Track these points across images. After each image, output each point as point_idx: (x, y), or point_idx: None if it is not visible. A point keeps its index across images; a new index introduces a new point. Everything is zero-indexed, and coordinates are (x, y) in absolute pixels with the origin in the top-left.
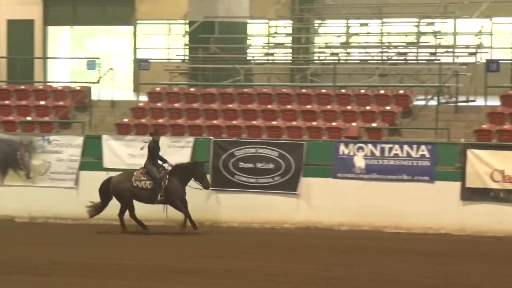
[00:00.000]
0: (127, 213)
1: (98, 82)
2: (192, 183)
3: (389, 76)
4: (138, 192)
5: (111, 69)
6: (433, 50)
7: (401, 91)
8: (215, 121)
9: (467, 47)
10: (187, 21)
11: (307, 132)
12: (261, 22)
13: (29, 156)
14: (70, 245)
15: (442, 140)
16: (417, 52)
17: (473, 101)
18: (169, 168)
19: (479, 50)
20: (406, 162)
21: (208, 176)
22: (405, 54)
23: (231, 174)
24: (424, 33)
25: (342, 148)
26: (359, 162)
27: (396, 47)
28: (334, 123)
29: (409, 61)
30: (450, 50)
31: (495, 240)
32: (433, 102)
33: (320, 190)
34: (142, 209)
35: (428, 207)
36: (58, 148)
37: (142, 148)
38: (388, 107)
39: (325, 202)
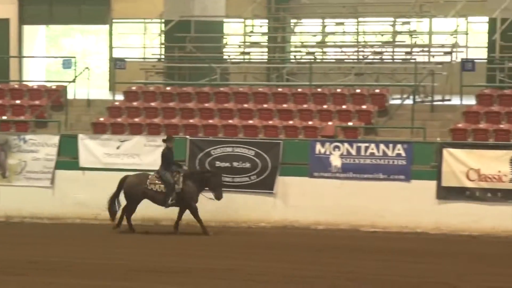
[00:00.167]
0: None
1: (74, 81)
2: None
3: (365, 75)
4: (151, 194)
5: (87, 68)
6: (408, 49)
7: (377, 90)
8: (191, 120)
9: (443, 46)
10: (163, 20)
11: (283, 131)
12: (237, 21)
13: (5, 156)
14: (47, 245)
15: (418, 139)
16: (393, 51)
17: (449, 100)
18: (183, 173)
19: (454, 49)
20: (382, 161)
21: None
22: (381, 53)
23: None
24: (400, 32)
25: (319, 147)
26: (336, 161)
27: (372, 46)
28: (310, 122)
29: (385, 60)
30: (426, 49)
31: (471, 238)
32: (409, 101)
33: (297, 189)
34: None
35: (404, 206)
36: (34, 147)
37: (118, 147)
38: (364, 106)
39: (302, 201)
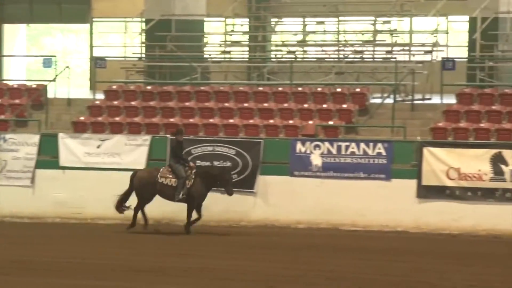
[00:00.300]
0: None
1: (54, 80)
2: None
3: (346, 74)
4: (161, 188)
5: (68, 67)
6: (389, 48)
7: (357, 89)
8: (172, 119)
9: (423, 45)
10: (143, 19)
11: (264, 130)
12: (218, 20)
13: None
14: (27, 244)
15: (398, 138)
16: (374, 50)
17: (429, 99)
18: (195, 169)
19: (435, 49)
20: (362, 160)
21: None
22: (361, 52)
23: None
24: (381, 32)
25: (299, 146)
26: (316, 160)
27: (352, 45)
28: (291, 121)
29: (365, 59)
30: (406, 48)
31: (451, 237)
32: (390, 100)
33: (277, 188)
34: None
35: (384, 205)
36: (14, 147)
37: (98, 146)
38: (344, 105)
39: (282, 200)
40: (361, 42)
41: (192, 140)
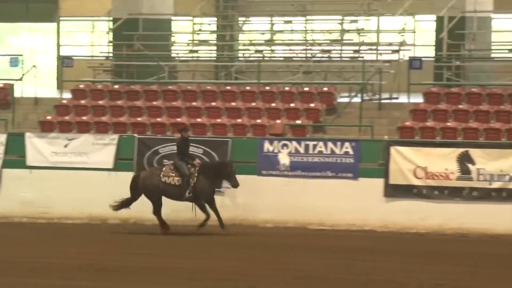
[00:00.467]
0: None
1: (21, 79)
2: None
3: (313, 73)
4: (165, 187)
5: (34, 66)
6: (356, 48)
7: (325, 89)
8: (139, 119)
9: (390, 44)
10: (110, 18)
11: (231, 129)
12: (186, 19)
13: None
14: None
15: (366, 137)
16: (341, 50)
17: (396, 98)
18: (198, 167)
19: (402, 48)
20: (330, 159)
21: (133, 174)
22: (329, 51)
23: None
24: (348, 31)
25: (267, 145)
26: (284, 159)
27: (320, 44)
28: (258, 120)
29: (333, 59)
30: (374, 47)
31: (418, 236)
32: (357, 99)
33: (245, 187)
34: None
35: (352, 204)
36: None
37: (66, 146)
38: (312, 105)
39: (250, 199)
40: (328, 41)
41: (159, 139)
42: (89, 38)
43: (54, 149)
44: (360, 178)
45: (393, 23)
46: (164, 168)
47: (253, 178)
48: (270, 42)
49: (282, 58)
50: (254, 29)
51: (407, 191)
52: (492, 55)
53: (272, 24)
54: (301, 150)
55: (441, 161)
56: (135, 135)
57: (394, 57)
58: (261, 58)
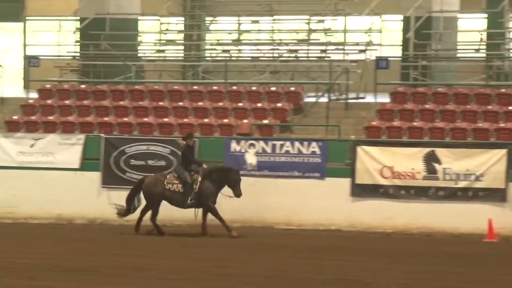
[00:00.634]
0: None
1: None
2: (223, 190)
3: (280, 73)
4: (169, 195)
5: (0, 66)
6: (323, 48)
7: (292, 88)
8: (106, 118)
9: (357, 44)
10: (77, 18)
11: (198, 129)
12: (153, 19)
13: None
14: None
15: (333, 136)
16: (308, 50)
17: (363, 98)
18: (203, 171)
19: (369, 48)
20: (297, 159)
21: (99, 174)
22: (296, 51)
23: (122, 172)
24: (315, 31)
25: (234, 145)
26: (251, 159)
27: (287, 44)
28: (225, 120)
29: (300, 58)
30: (341, 47)
31: (384, 235)
32: (324, 99)
33: None
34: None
35: (319, 203)
36: None
37: (32, 146)
38: (279, 104)
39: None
40: (295, 41)
41: (126, 139)
42: (56, 37)
43: (20, 149)
44: (327, 177)
45: (360, 23)
46: (168, 176)
47: None
48: (237, 42)
49: (249, 58)
50: (221, 29)
51: (374, 190)
52: (458, 55)
53: (239, 24)
54: (268, 149)
55: (407, 161)
56: (101, 135)
57: (361, 57)
58: (228, 58)
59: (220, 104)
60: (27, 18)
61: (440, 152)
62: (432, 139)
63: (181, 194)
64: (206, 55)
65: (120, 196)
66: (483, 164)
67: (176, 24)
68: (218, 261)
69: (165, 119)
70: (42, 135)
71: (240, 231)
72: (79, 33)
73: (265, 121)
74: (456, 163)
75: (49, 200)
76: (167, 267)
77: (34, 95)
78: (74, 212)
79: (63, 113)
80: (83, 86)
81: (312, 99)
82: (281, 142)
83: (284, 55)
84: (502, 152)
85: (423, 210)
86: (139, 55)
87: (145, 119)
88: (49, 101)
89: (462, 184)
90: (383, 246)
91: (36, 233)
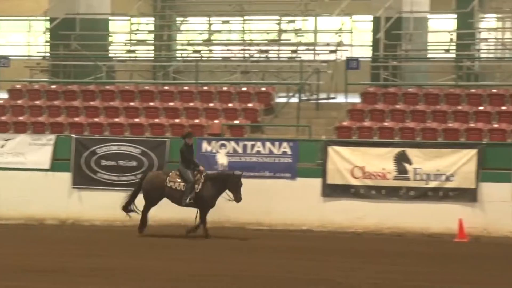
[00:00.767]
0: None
1: None
2: (224, 193)
3: (251, 73)
4: (169, 192)
5: None
6: (294, 48)
7: (263, 89)
8: (76, 119)
9: (328, 44)
10: (47, 18)
11: (169, 130)
12: (123, 19)
13: None
14: None
15: (304, 137)
16: (279, 50)
17: (334, 98)
18: (204, 173)
19: (339, 48)
20: (268, 159)
21: (70, 174)
22: (266, 51)
23: (93, 172)
24: (285, 31)
25: (205, 145)
26: (222, 159)
27: (257, 44)
28: (196, 120)
29: (270, 59)
30: (311, 47)
31: (356, 235)
32: (295, 99)
33: None
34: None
35: (290, 203)
36: None
37: (2, 146)
38: (250, 104)
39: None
40: (266, 42)
41: (97, 139)
42: (26, 38)
43: None
44: (298, 178)
45: (331, 23)
46: (170, 173)
47: None
48: (208, 42)
49: (220, 58)
50: (192, 29)
51: (345, 190)
52: (429, 55)
53: (210, 24)
54: (239, 150)
55: (378, 161)
56: (72, 135)
57: (332, 57)
58: (199, 58)
59: (191, 104)
60: None
61: (410, 152)
62: (402, 139)
63: (181, 192)
64: (177, 55)
65: (90, 196)
66: (453, 164)
67: (147, 24)
68: (184, 262)
69: (136, 120)
70: (13, 135)
71: (211, 231)
72: (49, 33)
73: (236, 122)
74: (427, 163)
75: (19, 200)
76: (135, 267)
77: (4, 95)
78: (44, 213)
79: (34, 114)
80: (53, 86)
81: (283, 100)
82: (252, 143)
83: (255, 55)
84: (472, 152)
85: (394, 210)
86: (109, 55)
87: (116, 120)
88: (19, 102)
89: (432, 184)
90: (354, 246)
91: (6, 234)
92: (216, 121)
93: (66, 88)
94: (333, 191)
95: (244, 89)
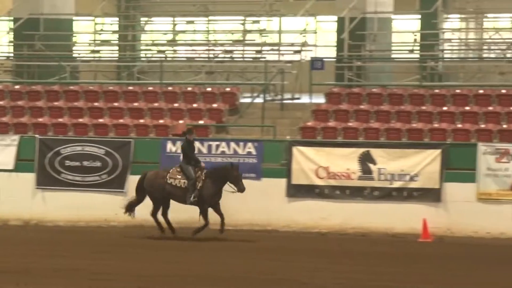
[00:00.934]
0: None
1: None
2: (226, 186)
3: (216, 73)
4: (171, 189)
5: None
6: (259, 48)
7: (227, 89)
8: (40, 119)
9: (292, 45)
10: (11, 18)
11: (134, 130)
12: (87, 19)
13: None
14: None
15: (268, 137)
16: (243, 50)
17: (298, 98)
18: (205, 170)
19: (304, 48)
20: (233, 159)
21: (34, 175)
22: (231, 52)
23: (57, 173)
24: (250, 31)
25: (170, 146)
26: None
27: (222, 45)
28: (161, 121)
29: (235, 59)
30: (276, 48)
31: (320, 235)
32: (259, 100)
33: None
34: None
35: (255, 203)
36: None
37: None
38: (214, 105)
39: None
40: (231, 42)
41: (61, 140)
42: None
43: None
44: (263, 178)
45: (295, 23)
46: (171, 170)
47: None
48: (172, 43)
49: (185, 59)
50: (156, 29)
51: (309, 191)
52: (393, 56)
53: (175, 25)
54: (204, 150)
55: (342, 161)
56: (36, 135)
57: (296, 57)
58: (163, 58)
59: (156, 104)
60: None
61: (375, 152)
62: (367, 139)
63: (184, 189)
64: (141, 55)
65: (54, 197)
66: (417, 164)
67: (111, 24)
68: (149, 262)
69: (100, 120)
70: None
71: (176, 232)
72: (12, 33)
73: (201, 122)
74: (391, 163)
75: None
76: (100, 268)
77: None
78: (8, 214)
79: None
80: (17, 86)
81: (248, 100)
82: (217, 143)
83: (220, 55)
84: (436, 152)
85: (358, 210)
86: (73, 55)
87: (80, 120)
88: None
89: (397, 184)
90: (319, 246)
91: None
92: (180, 122)
93: (30, 88)
94: (297, 191)
95: (208, 89)
